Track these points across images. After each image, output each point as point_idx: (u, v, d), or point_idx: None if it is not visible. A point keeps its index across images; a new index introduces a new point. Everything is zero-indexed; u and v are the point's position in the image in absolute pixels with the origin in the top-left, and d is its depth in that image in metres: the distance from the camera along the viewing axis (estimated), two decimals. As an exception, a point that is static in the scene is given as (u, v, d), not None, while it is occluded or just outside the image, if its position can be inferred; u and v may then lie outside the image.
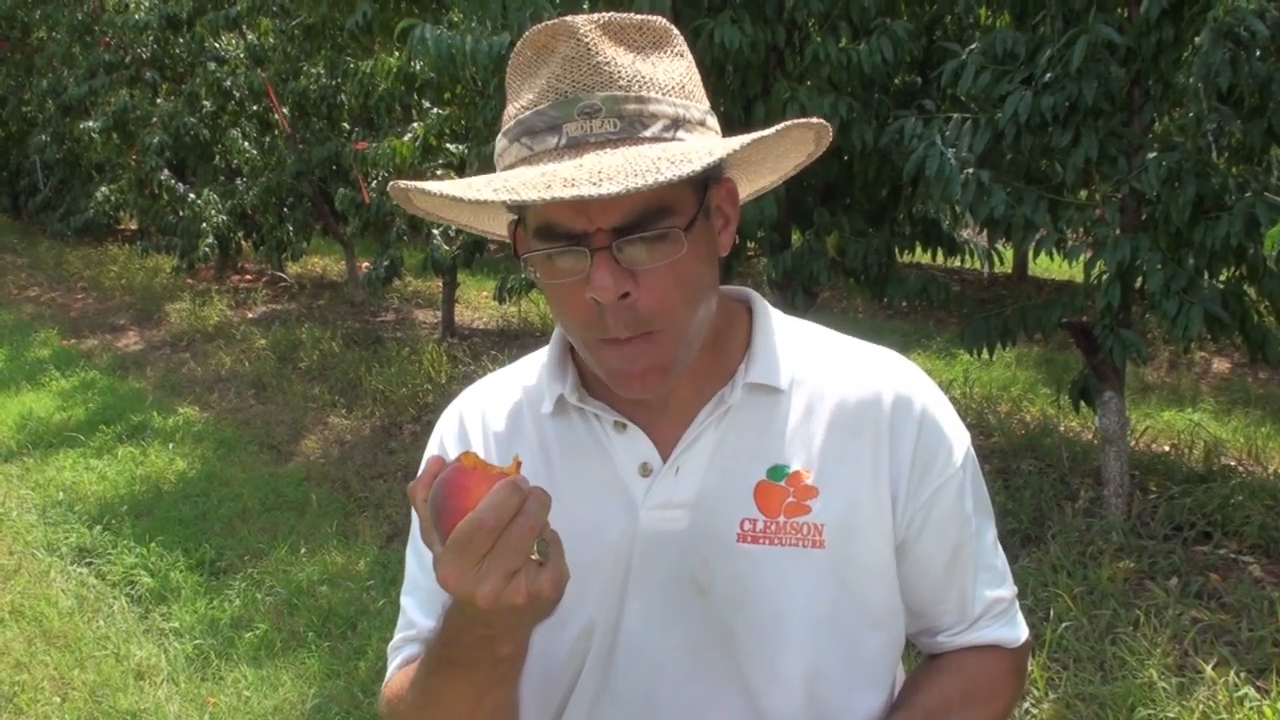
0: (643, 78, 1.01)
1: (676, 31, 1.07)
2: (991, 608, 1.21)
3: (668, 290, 1.01)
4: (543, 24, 1.03)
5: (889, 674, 1.19)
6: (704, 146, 0.97)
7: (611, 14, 1.03)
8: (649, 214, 0.97)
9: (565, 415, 1.16)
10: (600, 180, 0.90)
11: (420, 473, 0.97)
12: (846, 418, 1.12)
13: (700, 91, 1.06)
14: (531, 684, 1.12)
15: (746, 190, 1.21)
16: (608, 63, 1.00)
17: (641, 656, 1.13)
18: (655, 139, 0.99)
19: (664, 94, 1.01)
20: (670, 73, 1.03)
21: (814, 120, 1.07)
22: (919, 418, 1.13)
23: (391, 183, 1.04)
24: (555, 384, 1.16)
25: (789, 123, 1.04)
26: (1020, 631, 1.23)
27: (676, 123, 1.00)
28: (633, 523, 1.11)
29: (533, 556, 0.91)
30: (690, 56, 1.08)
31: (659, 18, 1.06)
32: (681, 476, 1.11)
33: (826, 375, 1.15)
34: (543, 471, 1.15)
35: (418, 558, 1.22)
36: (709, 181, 1.05)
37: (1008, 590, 1.23)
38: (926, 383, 1.17)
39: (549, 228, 1.00)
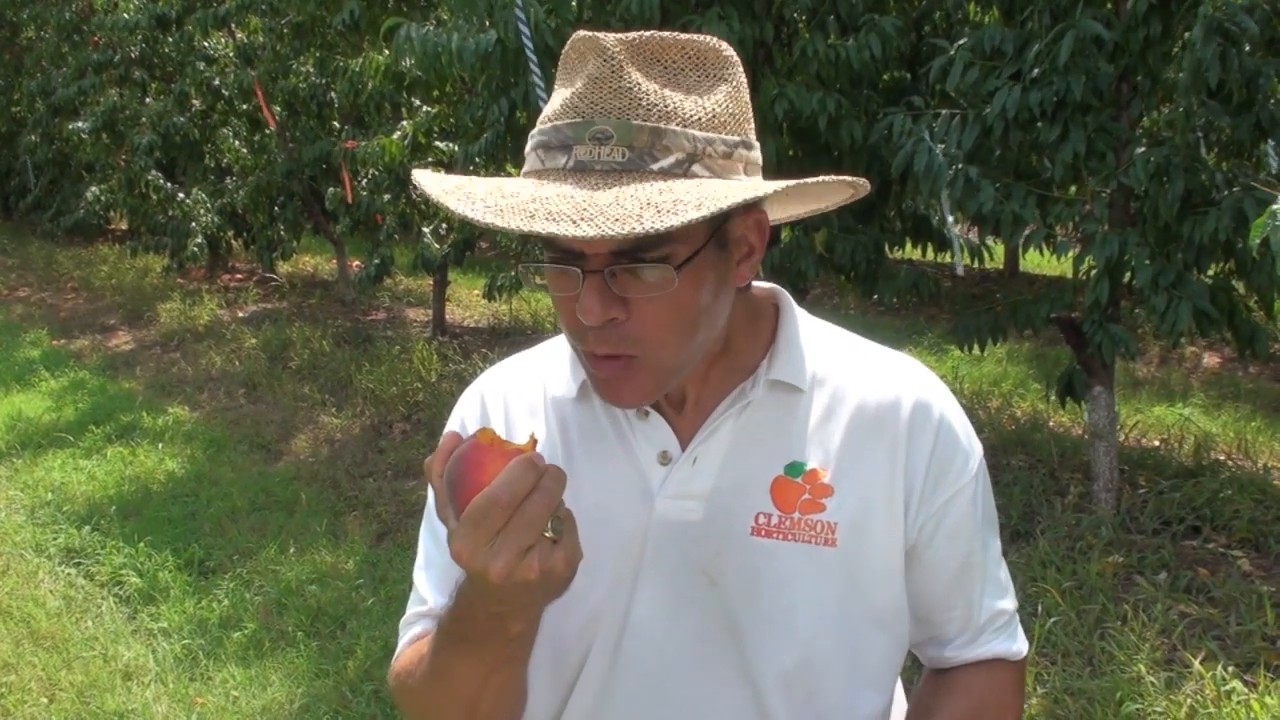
0: (666, 107, 0.99)
1: (729, 54, 1.06)
2: (995, 619, 1.22)
3: (656, 320, 1.01)
4: (583, 34, 1.02)
5: (891, 677, 1.20)
6: (703, 195, 0.94)
7: (654, 33, 1.02)
8: (647, 243, 0.97)
9: (588, 400, 1.17)
10: (580, 220, 0.90)
11: (438, 448, 0.98)
12: (865, 420, 1.14)
13: (739, 121, 1.04)
14: (540, 667, 1.13)
15: (788, 214, 1.23)
16: (631, 88, 0.99)
17: (649, 645, 1.13)
18: (663, 174, 0.98)
19: (686, 125, 0.99)
20: (702, 102, 1.01)
21: (830, 178, 1.07)
22: (936, 425, 1.15)
23: (415, 171, 1.06)
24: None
25: (797, 182, 1.03)
26: (1022, 644, 1.26)
27: (692, 158, 0.99)
28: (648, 510, 1.12)
29: (546, 534, 0.92)
30: (738, 80, 1.06)
31: (713, 38, 1.05)
32: (699, 467, 1.12)
33: (847, 377, 1.16)
34: (561, 454, 1.16)
35: (432, 534, 1.22)
36: (731, 212, 1.03)
37: (1010, 603, 1.24)
38: (945, 391, 1.19)
39: (553, 241, 1.01)
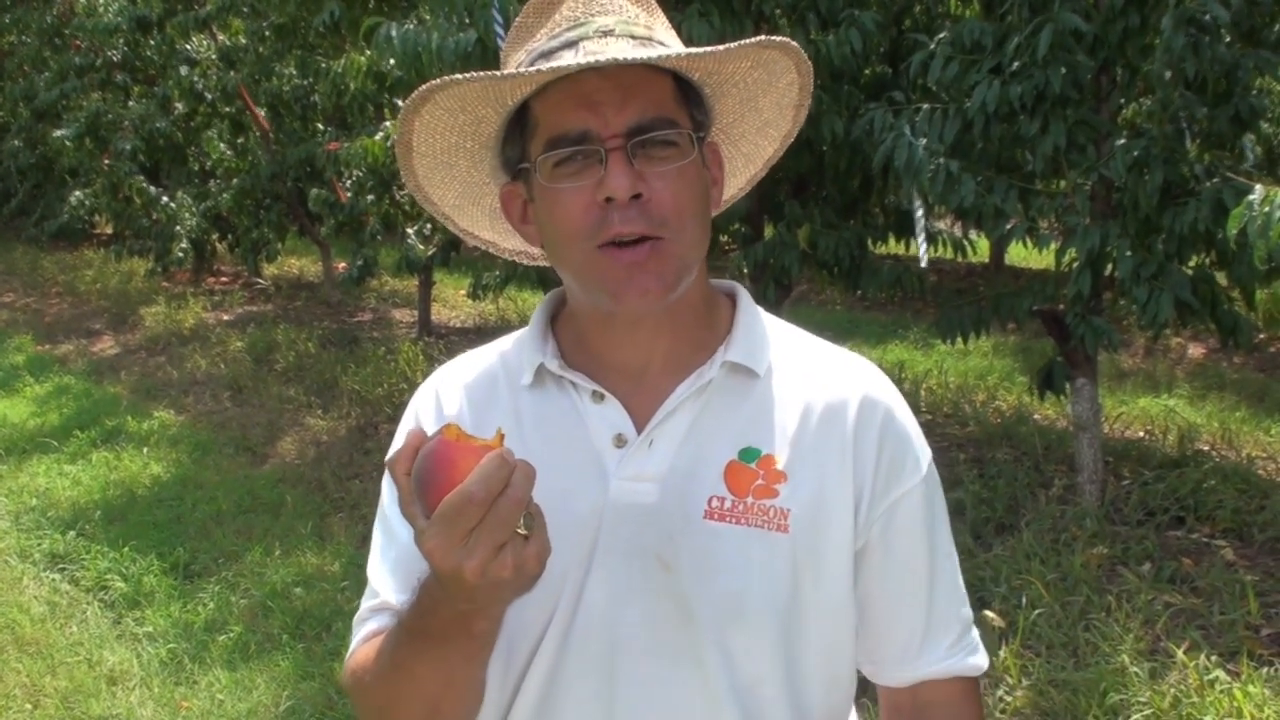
0: (649, 21, 1.10)
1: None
2: (953, 626, 1.20)
3: (678, 193, 1.05)
4: None
5: (841, 668, 1.19)
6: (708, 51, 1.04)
7: None
8: (659, 121, 1.04)
9: (543, 386, 1.17)
10: (618, 55, 0.99)
11: (400, 446, 0.97)
12: (818, 412, 1.14)
13: None
14: (494, 656, 1.11)
15: (731, 176, 1.25)
16: (614, 1, 1.09)
17: (600, 628, 1.12)
18: (666, 46, 1.09)
19: (667, 35, 1.11)
20: (671, 31, 1.13)
21: (792, 42, 1.10)
22: (887, 426, 1.16)
23: (413, 95, 1.07)
24: (535, 355, 1.17)
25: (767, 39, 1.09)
26: (984, 657, 1.23)
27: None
28: (603, 493, 1.12)
29: (519, 530, 0.92)
30: None
31: None
32: (655, 449, 1.12)
33: (802, 370, 1.17)
34: (516, 441, 1.13)
35: (385, 530, 1.20)
36: (703, 133, 1.12)
37: (968, 610, 1.23)
38: (896, 393, 1.20)
39: (562, 137, 1.04)
